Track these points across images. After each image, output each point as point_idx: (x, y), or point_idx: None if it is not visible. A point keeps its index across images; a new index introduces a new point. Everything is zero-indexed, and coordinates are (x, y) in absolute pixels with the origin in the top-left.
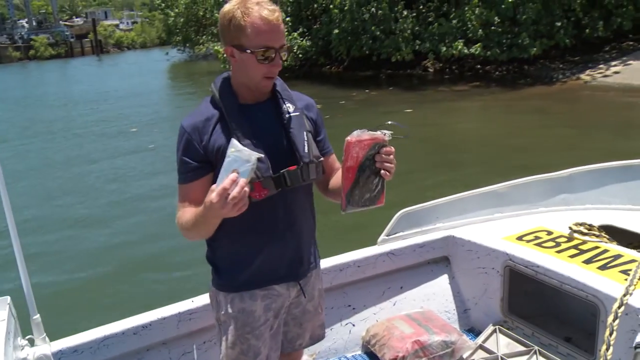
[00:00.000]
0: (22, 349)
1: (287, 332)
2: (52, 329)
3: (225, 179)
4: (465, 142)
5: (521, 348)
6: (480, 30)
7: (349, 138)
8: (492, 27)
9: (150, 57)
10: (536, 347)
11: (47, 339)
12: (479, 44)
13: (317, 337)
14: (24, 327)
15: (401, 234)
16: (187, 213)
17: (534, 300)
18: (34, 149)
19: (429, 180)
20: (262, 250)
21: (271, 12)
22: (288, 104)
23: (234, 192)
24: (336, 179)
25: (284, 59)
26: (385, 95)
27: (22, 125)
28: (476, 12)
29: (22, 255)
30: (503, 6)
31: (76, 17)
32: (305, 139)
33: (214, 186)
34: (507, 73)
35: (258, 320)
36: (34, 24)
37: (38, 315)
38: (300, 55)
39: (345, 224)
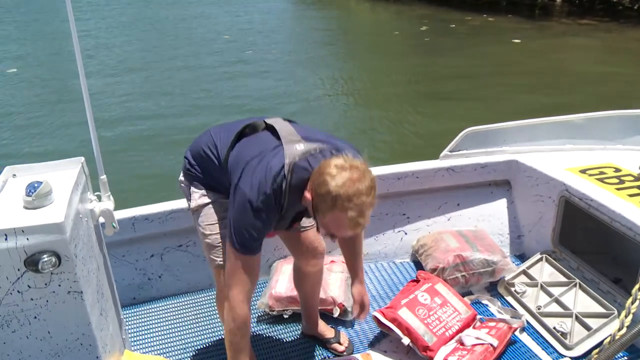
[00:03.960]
0: (90, 202)
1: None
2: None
3: None
4: (566, 79)
5: (563, 279)
6: None
7: None
8: None
9: None
10: (577, 280)
11: (111, 197)
12: None
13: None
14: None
15: (465, 151)
16: (242, 338)
17: (587, 235)
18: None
19: (510, 107)
20: None
21: (357, 226)
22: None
23: None
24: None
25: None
26: (502, 22)
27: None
28: None
29: (93, 122)
30: None
31: None
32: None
33: None
34: None
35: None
36: None
37: (104, 176)
38: None
39: (406, 135)
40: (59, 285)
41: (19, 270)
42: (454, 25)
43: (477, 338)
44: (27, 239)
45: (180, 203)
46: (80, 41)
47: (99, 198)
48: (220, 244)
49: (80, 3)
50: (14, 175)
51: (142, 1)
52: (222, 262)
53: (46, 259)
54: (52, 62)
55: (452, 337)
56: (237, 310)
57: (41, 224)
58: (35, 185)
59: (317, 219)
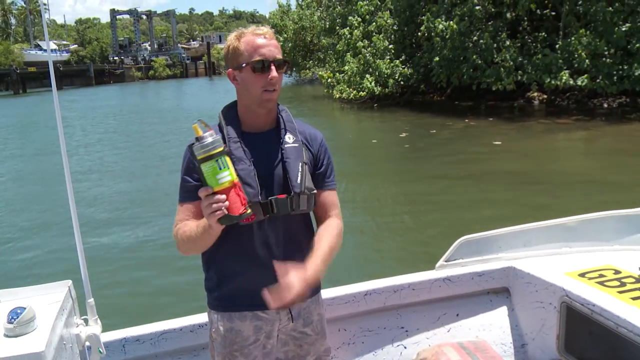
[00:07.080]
0: (76, 327)
1: (287, 352)
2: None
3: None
4: (552, 176)
5: None
6: (587, 60)
7: None
8: (603, 58)
9: None
10: None
11: (98, 320)
12: (586, 75)
13: None
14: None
15: (460, 260)
16: (186, 226)
17: (593, 341)
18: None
19: (499, 211)
20: (249, 275)
21: (263, 31)
22: (289, 135)
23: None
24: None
25: (281, 72)
26: (483, 126)
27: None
28: (584, 41)
29: (81, 244)
30: (614, 35)
31: (193, 41)
32: (300, 169)
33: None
34: (616, 106)
35: (247, 339)
36: (155, 46)
37: (92, 299)
38: (402, 83)
39: (403, 246)
40: None
41: None
42: (434, 131)
43: None
44: None
45: (173, 323)
46: (72, 165)
47: (86, 322)
48: None
49: (72, 128)
50: None
51: (127, 121)
52: None
53: None
54: (42, 185)
55: None
56: (178, 233)
57: (19, 354)
58: (18, 311)
59: (238, 71)
